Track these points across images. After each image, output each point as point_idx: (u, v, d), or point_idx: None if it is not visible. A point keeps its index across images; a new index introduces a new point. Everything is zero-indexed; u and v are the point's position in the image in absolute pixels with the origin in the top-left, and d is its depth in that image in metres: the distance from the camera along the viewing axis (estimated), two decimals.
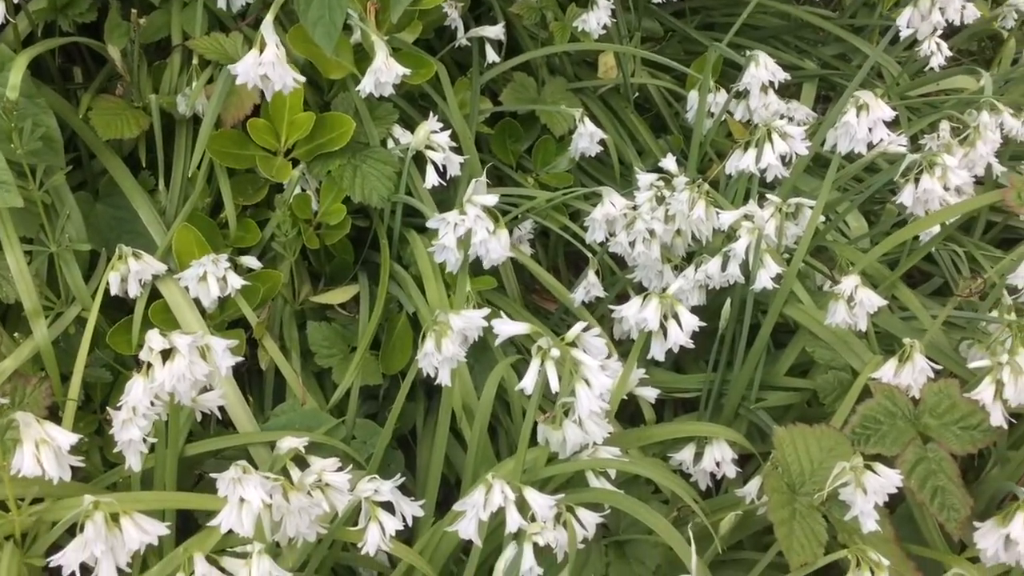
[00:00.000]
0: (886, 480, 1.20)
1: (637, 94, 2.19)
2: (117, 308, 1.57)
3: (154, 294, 1.54)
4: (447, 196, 1.81)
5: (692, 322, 1.27)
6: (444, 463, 1.66)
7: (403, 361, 1.68)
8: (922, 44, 2.15)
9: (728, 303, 1.61)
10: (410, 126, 1.78)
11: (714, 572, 1.43)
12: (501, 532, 1.25)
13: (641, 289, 1.75)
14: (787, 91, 2.37)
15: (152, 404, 1.13)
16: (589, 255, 1.73)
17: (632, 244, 1.64)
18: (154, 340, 1.11)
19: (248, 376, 1.70)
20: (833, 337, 1.56)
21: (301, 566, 1.26)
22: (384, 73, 1.57)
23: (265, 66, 1.34)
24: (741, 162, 1.61)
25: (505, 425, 1.67)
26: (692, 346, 1.31)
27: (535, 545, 1.13)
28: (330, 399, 1.62)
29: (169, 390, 1.11)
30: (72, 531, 1.14)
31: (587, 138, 1.89)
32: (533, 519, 1.16)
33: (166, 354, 1.12)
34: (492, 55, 1.97)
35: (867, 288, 1.47)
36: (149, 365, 1.11)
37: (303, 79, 1.47)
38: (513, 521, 1.12)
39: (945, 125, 2.13)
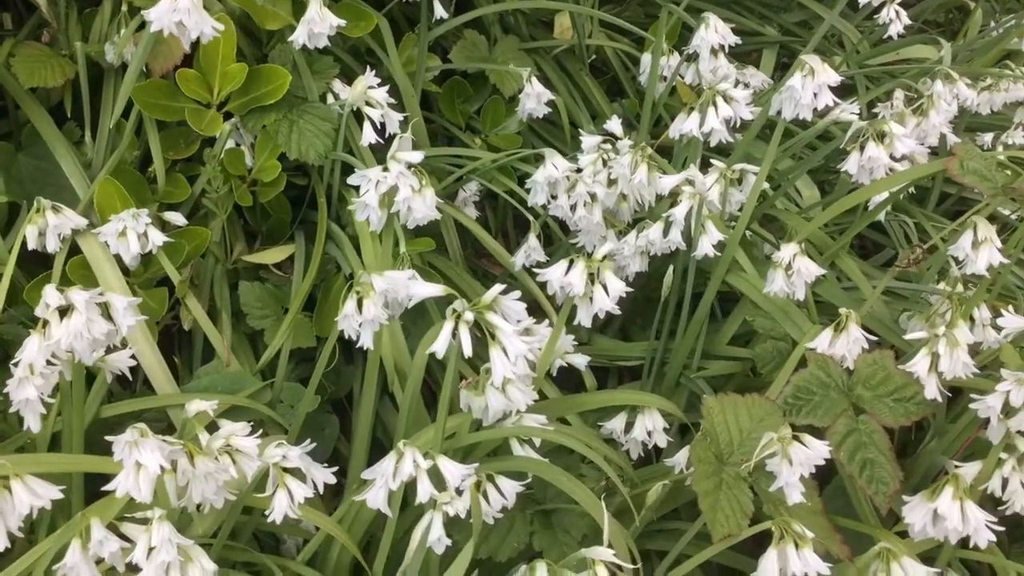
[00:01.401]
0: (813, 451, 1.17)
1: (594, 56, 2.15)
2: (36, 263, 1.52)
3: (74, 249, 1.49)
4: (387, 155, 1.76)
5: (619, 287, 1.23)
6: (379, 427, 1.63)
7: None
8: (881, 11, 2.10)
9: (670, 270, 1.58)
10: (352, 81, 1.72)
11: (646, 541, 1.41)
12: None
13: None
14: (747, 58, 2.33)
15: (51, 363, 1.08)
16: (530, 218, 1.69)
17: (573, 208, 1.60)
18: (51, 296, 1.06)
19: (179, 336, 1.66)
20: (773, 306, 1.53)
21: (214, 533, 1.22)
22: (318, 24, 1.51)
23: (180, 12, 1.27)
24: (685, 126, 1.57)
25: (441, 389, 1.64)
26: (618, 312, 1.27)
27: (447, 515, 1.09)
28: (260, 361, 1.58)
29: (67, 348, 1.06)
30: None
31: (535, 99, 1.84)
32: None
33: (65, 311, 1.07)
34: (440, 10, 1.91)
35: (805, 256, 1.44)
36: (46, 322, 1.06)
37: (222, 27, 1.41)
38: (424, 491, 1.08)
39: (899, 94, 2.11)
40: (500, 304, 1.13)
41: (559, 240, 1.82)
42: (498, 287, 1.13)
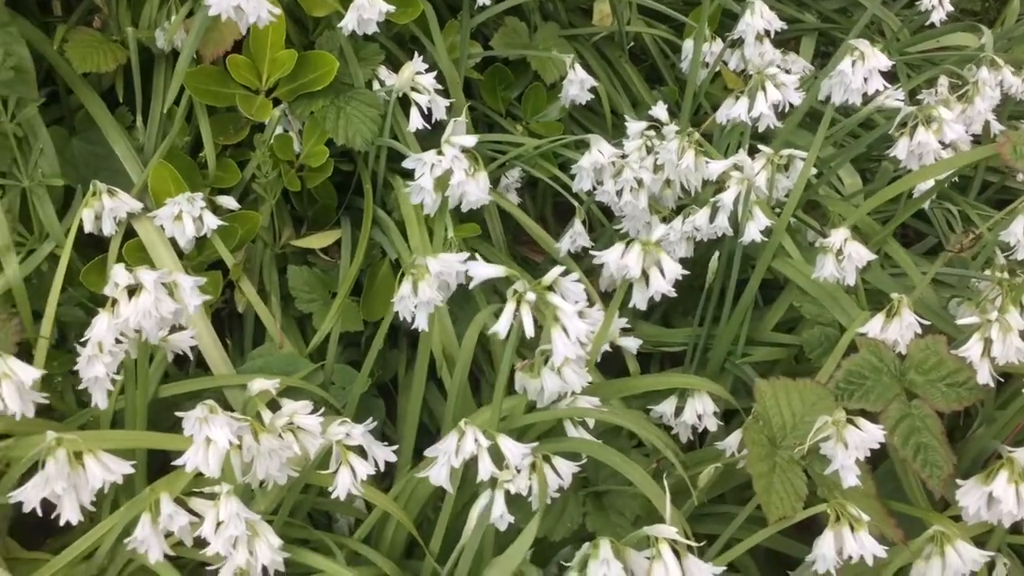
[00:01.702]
0: (868, 435, 1.18)
1: (632, 43, 2.15)
2: (92, 246, 1.54)
3: (129, 232, 1.51)
4: (434, 142, 1.77)
5: (675, 270, 1.24)
6: (425, 412, 1.64)
7: (385, 308, 1.64)
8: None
9: (716, 256, 1.58)
10: (397, 68, 1.73)
11: (694, 525, 1.42)
12: (476, 480, 1.23)
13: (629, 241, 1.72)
14: (786, 45, 2.32)
15: (118, 341, 1.10)
16: (575, 204, 1.70)
17: (619, 193, 1.61)
18: (120, 275, 1.08)
19: (228, 319, 1.68)
20: (821, 292, 1.53)
21: (274, 510, 1.24)
22: (367, 9, 1.52)
23: None
24: (733, 111, 1.57)
25: (487, 375, 1.65)
26: (675, 295, 1.28)
27: (507, 493, 1.11)
28: (310, 344, 1.60)
29: (135, 327, 1.08)
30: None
31: (577, 85, 1.85)
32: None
33: (133, 291, 1.09)
34: None
35: (856, 242, 1.44)
36: (115, 301, 1.08)
37: (279, 12, 1.42)
38: (485, 469, 1.10)
39: (943, 80, 2.10)
40: (560, 285, 1.14)
41: (601, 226, 1.83)
42: (558, 268, 1.14)
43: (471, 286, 1.19)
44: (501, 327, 1.12)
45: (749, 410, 1.52)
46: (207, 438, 1.03)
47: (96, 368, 1.10)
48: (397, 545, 1.34)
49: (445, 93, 1.69)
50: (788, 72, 2.00)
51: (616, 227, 1.72)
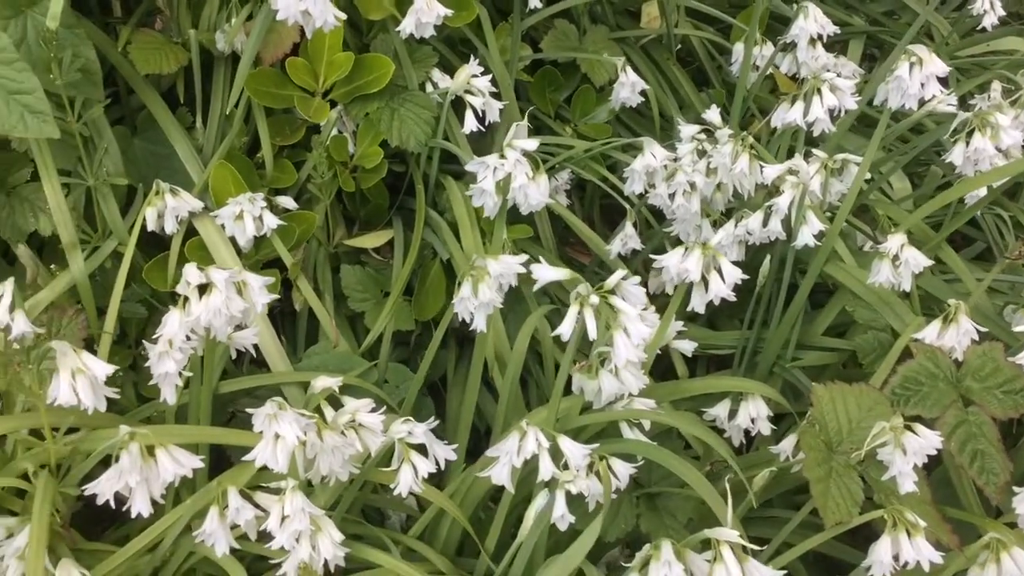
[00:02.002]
0: (926, 441, 1.18)
1: (680, 46, 2.15)
2: (153, 244, 1.57)
3: (190, 231, 1.54)
4: (484, 143, 1.79)
5: (734, 274, 1.25)
6: (476, 412, 1.66)
7: (436, 308, 1.67)
8: (975, 2, 2.08)
9: (768, 260, 1.59)
10: (449, 71, 1.75)
11: (746, 528, 1.43)
12: (530, 481, 1.25)
13: (678, 243, 1.73)
14: (833, 48, 2.31)
15: (188, 339, 1.13)
16: (627, 206, 1.71)
17: (672, 196, 1.61)
18: (191, 274, 1.10)
19: (281, 317, 1.70)
20: (874, 297, 1.53)
21: (332, 505, 1.27)
22: (425, 13, 1.54)
23: (307, 1, 1.31)
24: (788, 115, 1.57)
25: (535, 375, 1.66)
26: (734, 299, 1.28)
27: (567, 493, 1.12)
28: (361, 343, 1.62)
29: (205, 325, 1.10)
30: (105, 462, 1.15)
31: (629, 88, 1.85)
32: (565, 467, 1.15)
33: (203, 289, 1.11)
34: (534, 0, 1.93)
35: (913, 247, 1.44)
36: (186, 299, 1.11)
37: (344, 16, 1.44)
38: (546, 469, 1.11)
39: (996, 85, 2.08)
40: (622, 288, 1.15)
41: (648, 228, 1.83)
42: (620, 272, 1.16)
43: (534, 288, 1.20)
44: (565, 330, 1.13)
45: (802, 414, 1.53)
46: (276, 434, 1.06)
47: (167, 364, 1.12)
48: (451, 542, 1.36)
49: (498, 95, 1.70)
50: (838, 74, 2.02)
51: (666, 229, 1.72)
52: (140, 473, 1.04)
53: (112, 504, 1.07)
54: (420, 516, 1.38)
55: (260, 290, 1.14)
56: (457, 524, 1.31)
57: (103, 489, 1.05)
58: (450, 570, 1.29)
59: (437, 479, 1.49)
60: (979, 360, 1.32)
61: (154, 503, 1.12)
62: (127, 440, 1.05)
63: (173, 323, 1.10)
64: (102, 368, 1.08)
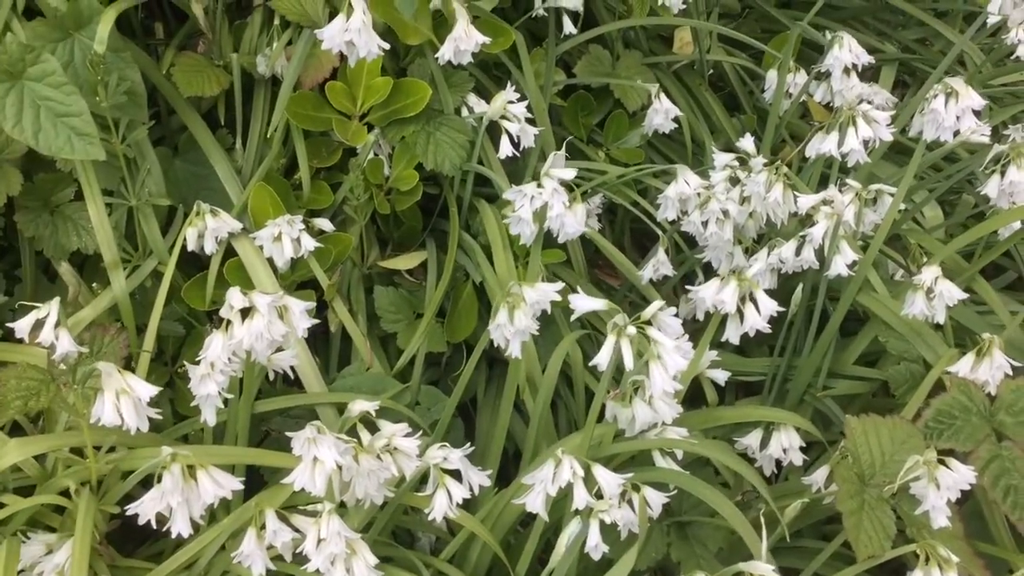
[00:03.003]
0: (960, 476, 1.18)
1: (712, 71, 2.16)
2: (192, 264, 1.60)
3: (229, 251, 1.56)
4: (517, 167, 1.80)
5: (770, 306, 1.25)
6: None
7: (467, 330, 1.68)
8: (1010, 32, 2.08)
9: (799, 288, 1.59)
10: (484, 95, 1.77)
11: (776, 558, 1.43)
12: (560, 506, 1.26)
13: (709, 270, 1.74)
14: (865, 74, 2.31)
15: (229, 361, 1.14)
16: (659, 232, 1.71)
17: (705, 224, 1.62)
18: (235, 298, 1.12)
19: (314, 338, 1.72)
20: (907, 328, 1.53)
21: (365, 527, 1.28)
22: (464, 41, 1.56)
23: (352, 32, 1.34)
24: (823, 146, 1.58)
25: (566, 400, 1.67)
26: (768, 330, 1.29)
27: (601, 522, 1.13)
28: (393, 364, 1.63)
29: (247, 348, 1.12)
30: (144, 482, 1.17)
31: (662, 114, 1.87)
32: (599, 496, 1.16)
33: (245, 312, 1.13)
34: (569, 26, 1.95)
35: (947, 280, 1.44)
36: (229, 322, 1.13)
37: (387, 46, 1.46)
38: (580, 498, 1.12)
39: None
40: (659, 319, 1.16)
41: (678, 254, 1.84)
42: (658, 303, 1.17)
43: (572, 318, 1.21)
44: (602, 359, 1.14)
45: (832, 443, 1.53)
46: (315, 458, 1.07)
47: (209, 386, 1.14)
48: (481, 566, 1.37)
49: (533, 121, 1.72)
50: (871, 104, 2.02)
51: (698, 256, 1.73)
52: (181, 494, 1.06)
53: (153, 524, 1.09)
54: (450, 538, 1.39)
55: (301, 315, 1.15)
56: (487, 548, 1.32)
57: (145, 509, 1.07)
58: None
59: (467, 502, 1.50)
60: (1013, 394, 1.32)
61: (193, 523, 1.13)
62: (169, 461, 1.06)
63: (216, 346, 1.12)
64: (146, 389, 1.10)
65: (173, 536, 1.10)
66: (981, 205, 1.97)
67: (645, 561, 1.27)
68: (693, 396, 1.65)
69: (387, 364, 1.66)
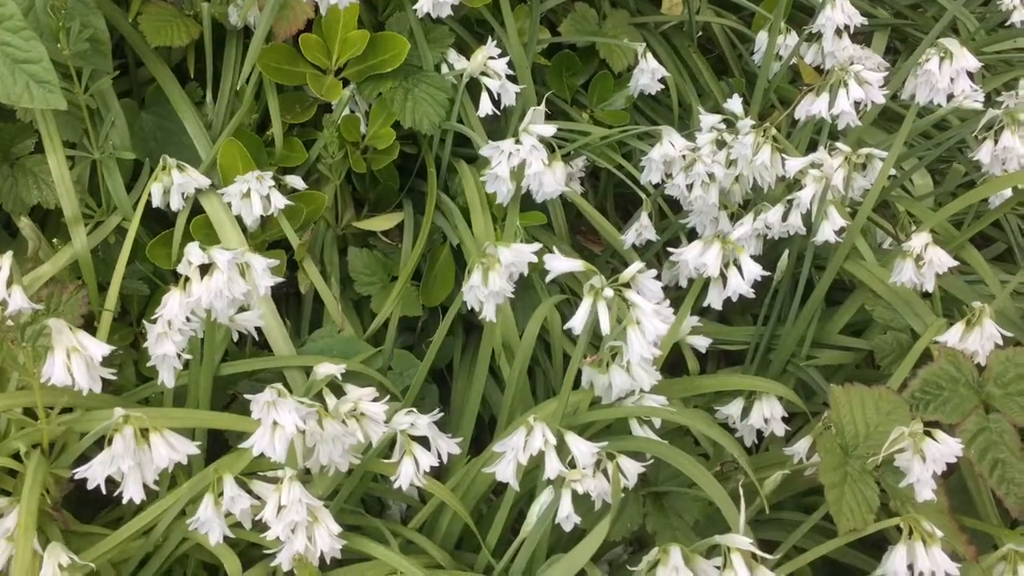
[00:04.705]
0: (947, 448, 1.14)
1: (701, 33, 2.11)
2: (158, 220, 1.54)
3: (196, 208, 1.50)
4: (498, 127, 1.75)
5: (755, 271, 1.21)
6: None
7: (444, 294, 1.64)
8: None
9: (785, 254, 1.55)
10: (465, 52, 1.71)
11: (753, 530, 1.39)
12: (533, 475, 1.22)
13: (694, 235, 1.69)
14: (856, 40, 2.26)
15: (188, 320, 1.09)
16: (642, 196, 1.67)
17: (689, 187, 1.57)
18: (193, 254, 1.07)
19: (286, 299, 1.67)
20: (895, 297, 1.49)
21: (331, 494, 1.23)
22: None
23: None
24: (813, 107, 1.53)
25: (543, 366, 1.63)
26: (752, 295, 1.24)
27: (573, 492, 1.09)
28: (367, 328, 1.59)
29: (206, 306, 1.07)
30: (101, 444, 1.12)
31: (648, 75, 1.81)
32: (572, 465, 1.11)
33: (205, 269, 1.08)
34: None
35: (937, 247, 1.40)
36: (187, 279, 1.07)
37: None
38: (552, 467, 1.08)
39: None
40: (638, 282, 1.11)
41: (662, 219, 1.79)
42: (638, 264, 1.12)
43: (547, 279, 1.16)
44: (577, 323, 1.09)
45: (815, 414, 1.49)
46: (275, 422, 1.02)
47: (166, 346, 1.09)
48: (451, 536, 1.33)
49: (514, 78, 1.66)
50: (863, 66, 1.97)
51: (682, 221, 1.69)
52: (133, 458, 1.01)
53: (103, 488, 1.04)
54: (421, 506, 1.35)
55: (264, 272, 1.10)
56: (458, 517, 1.28)
57: (94, 473, 1.02)
58: (449, 564, 1.26)
59: (439, 470, 1.46)
60: (1002, 366, 1.28)
61: (148, 488, 1.08)
62: (121, 423, 1.02)
63: (173, 304, 1.07)
64: (98, 348, 1.05)
65: (124, 501, 1.05)
66: (972, 174, 1.94)
67: (620, 532, 1.23)
68: (674, 364, 1.61)
69: (360, 328, 1.61)
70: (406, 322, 1.63)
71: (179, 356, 1.12)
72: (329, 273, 1.63)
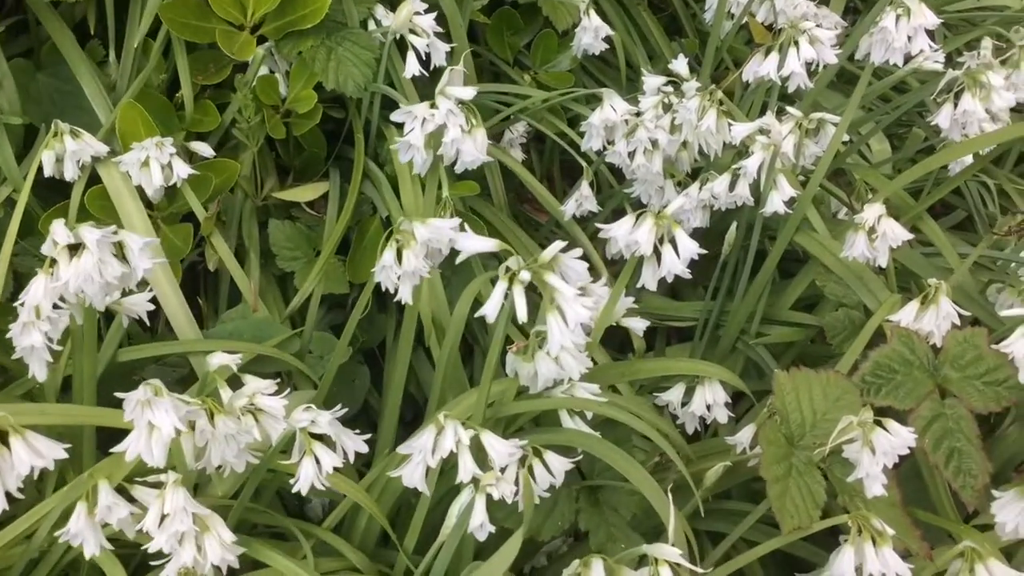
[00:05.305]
0: (899, 439, 1.05)
1: None
2: (54, 190, 1.41)
3: (94, 178, 1.38)
4: (432, 91, 1.63)
5: (691, 248, 1.11)
6: (412, 381, 1.52)
7: (372, 269, 1.53)
8: None
9: (733, 227, 1.45)
10: (394, 7, 1.59)
11: (697, 522, 1.30)
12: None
13: (639, 205, 1.60)
14: None
15: (58, 306, 0.97)
16: (583, 164, 1.56)
17: (631, 155, 1.47)
18: (59, 233, 0.95)
19: (204, 275, 1.56)
20: (846, 271, 1.41)
21: (234, 494, 1.13)
22: None
23: None
24: (762, 68, 1.43)
25: (481, 341, 1.54)
26: (688, 276, 1.15)
27: (489, 497, 0.99)
28: (290, 306, 1.48)
29: (75, 291, 0.95)
30: None
31: (591, 33, 1.70)
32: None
33: (74, 250, 0.96)
34: None
35: (891, 219, 1.31)
36: (54, 261, 0.96)
37: None
38: (466, 469, 0.97)
39: (986, 43, 1.94)
40: (560, 263, 1.01)
41: (609, 188, 1.70)
42: (558, 244, 1.01)
43: (458, 260, 1.06)
44: (489, 310, 0.99)
45: (760, 395, 1.40)
46: (150, 423, 0.91)
47: (33, 336, 0.97)
48: (371, 533, 1.23)
49: (447, 37, 1.55)
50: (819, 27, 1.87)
51: (626, 190, 1.59)
52: None
53: None
54: (343, 500, 1.25)
55: (142, 252, 0.98)
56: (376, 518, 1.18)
57: None
58: (366, 566, 1.17)
59: (366, 458, 1.36)
60: (959, 347, 1.19)
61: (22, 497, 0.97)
62: None
63: (37, 289, 0.95)
64: None
65: None
66: (932, 139, 1.85)
67: (550, 531, 1.14)
68: (622, 340, 1.52)
69: (283, 306, 1.50)
70: (334, 299, 1.54)
71: (51, 347, 1.00)
72: (248, 247, 1.52)
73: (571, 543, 1.38)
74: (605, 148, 1.53)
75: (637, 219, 1.13)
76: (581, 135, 1.60)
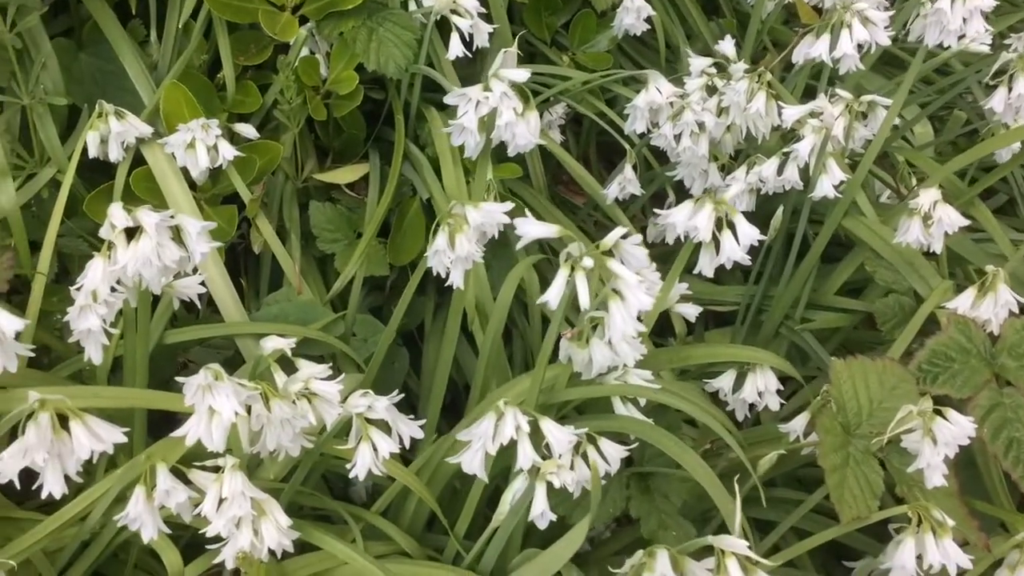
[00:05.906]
0: (959, 429, 1.04)
1: None
2: (100, 172, 1.41)
3: (138, 159, 1.37)
4: (472, 72, 1.62)
5: (751, 234, 1.09)
6: (453, 366, 1.52)
7: (413, 251, 1.52)
8: None
9: (780, 210, 1.43)
10: None
11: (744, 509, 1.30)
12: (510, 451, 1.11)
13: (681, 188, 1.58)
14: None
15: (114, 290, 0.97)
16: (626, 147, 1.54)
17: (677, 138, 1.45)
18: (117, 216, 0.94)
19: (244, 257, 1.55)
20: (896, 256, 1.39)
21: (286, 476, 1.13)
22: None
23: None
24: (813, 49, 1.40)
25: (521, 328, 1.52)
26: (748, 262, 1.13)
27: (549, 485, 0.98)
28: (331, 289, 1.47)
29: (133, 275, 0.94)
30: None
31: (633, 14, 1.68)
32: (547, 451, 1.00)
33: (132, 233, 0.95)
34: None
35: (947, 205, 1.29)
36: (111, 245, 0.95)
37: None
38: (525, 456, 0.96)
39: None
40: (621, 249, 1.00)
41: (647, 170, 1.68)
42: (620, 230, 1.00)
43: (519, 246, 1.04)
44: (552, 297, 0.97)
45: (810, 379, 1.39)
46: (210, 408, 0.91)
47: (90, 320, 0.96)
48: (419, 517, 1.22)
49: (487, 18, 1.53)
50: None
51: (669, 173, 1.57)
52: (49, 449, 0.89)
53: (17, 484, 0.93)
54: (388, 483, 1.24)
55: (199, 237, 0.97)
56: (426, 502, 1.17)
57: (6, 468, 0.90)
58: (415, 550, 1.16)
59: (410, 444, 1.36)
60: (1018, 335, 1.18)
61: (86, 468, 0.97)
62: (36, 409, 0.89)
63: (96, 273, 0.94)
64: (9, 323, 0.93)
65: (43, 496, 0.93)
66: (974, 121, 1.82)
67: (601, 518, 1.14)
68: (660, 327, 1.50)
69: (324, 289, 1.50)
70: (374, 282, 1.52)
71: (108, 330, 1.00)
72: (289, 230, 1.51)
73: (614, 528, 1.37)
74: (648, 130, 1.52)
75: (695, 204, 1.11)
76: (621, 115, 1.58)
